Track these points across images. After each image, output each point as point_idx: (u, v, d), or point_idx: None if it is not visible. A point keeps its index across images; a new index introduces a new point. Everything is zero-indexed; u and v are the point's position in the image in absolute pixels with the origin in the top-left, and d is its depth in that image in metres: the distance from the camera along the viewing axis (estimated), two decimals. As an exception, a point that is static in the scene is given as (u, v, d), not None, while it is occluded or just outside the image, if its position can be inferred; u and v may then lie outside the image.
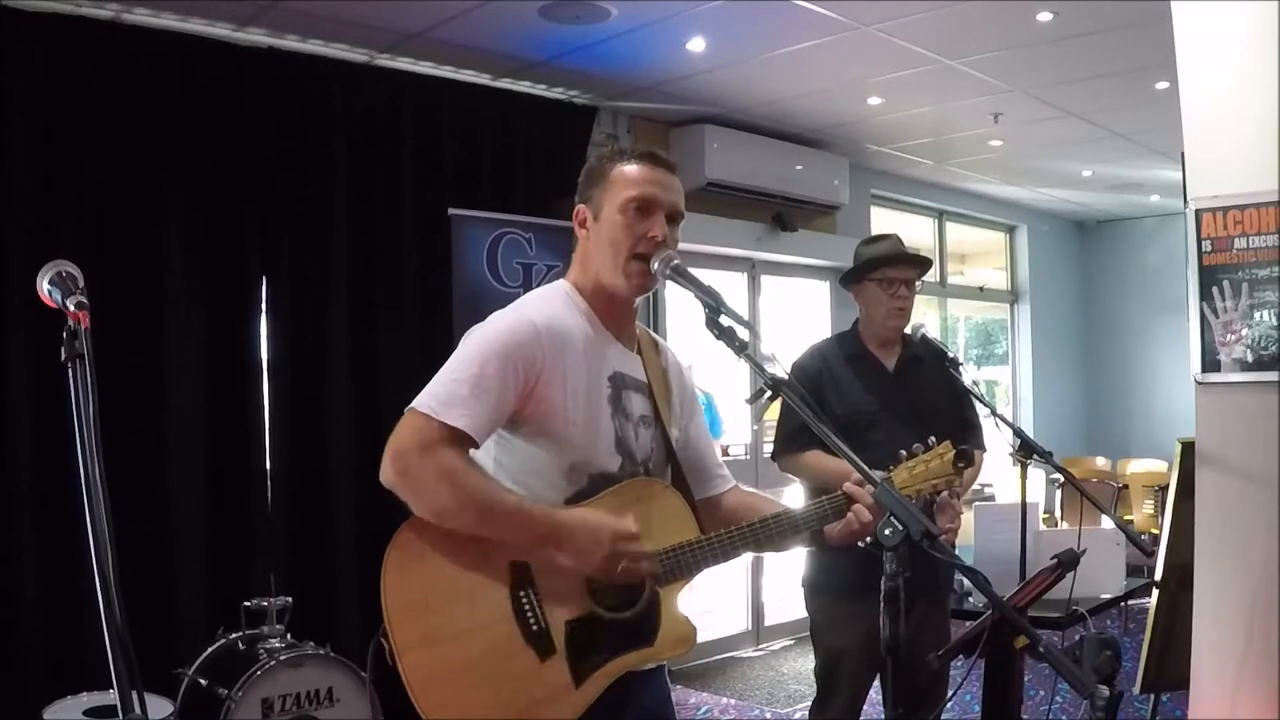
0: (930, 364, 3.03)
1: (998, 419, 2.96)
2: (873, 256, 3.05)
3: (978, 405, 3.03)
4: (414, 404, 1.66)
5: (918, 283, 3.07)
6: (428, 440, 1.62)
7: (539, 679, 1.63)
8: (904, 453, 1.89)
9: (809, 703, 3.13)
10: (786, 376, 1.69)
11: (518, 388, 1.68)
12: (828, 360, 3.05)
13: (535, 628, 1.65)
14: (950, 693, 2.95)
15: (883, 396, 2.94)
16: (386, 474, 1.64)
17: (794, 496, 3.88)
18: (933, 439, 1.90)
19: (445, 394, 1.65)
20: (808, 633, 3.13)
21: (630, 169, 1.81)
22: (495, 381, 1.66)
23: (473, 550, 1.64)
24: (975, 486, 3.39)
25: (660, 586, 1.72)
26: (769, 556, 6.19)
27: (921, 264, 3.09)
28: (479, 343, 1.71)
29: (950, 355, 3.02)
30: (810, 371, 3.02)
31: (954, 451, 1.89)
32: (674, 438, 1.89)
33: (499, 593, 1.65)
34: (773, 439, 3.10)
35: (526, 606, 1.65)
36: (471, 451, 1.68)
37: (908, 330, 3.11)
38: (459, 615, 1.63)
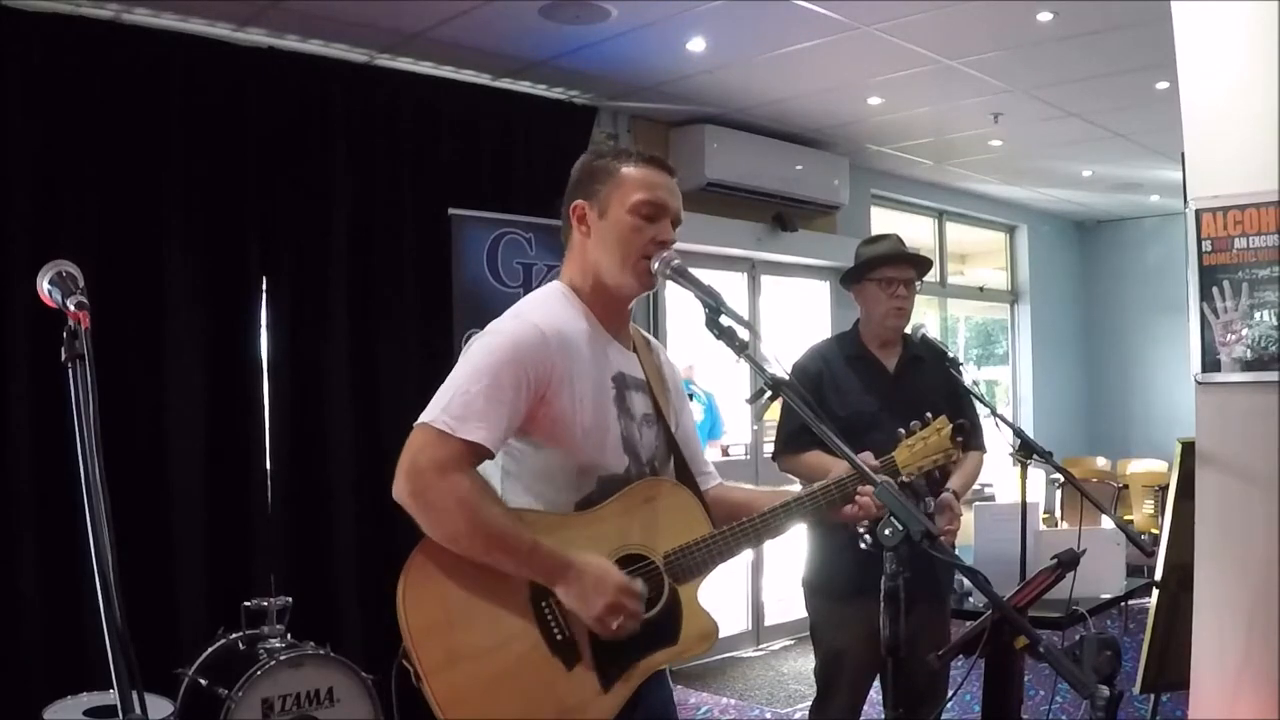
0: (931, 364, 3.03)
1: (998, 419, 2.97)
2: (871, 256, 3.04)
3: (978, 405, 3.04)
4: (427, 418, 1.63)
5: (918, 283, 3.07)
6: (445, 460, 1.59)
7: (568, 687, 1.63)
8: (902, 431, 1.94)
9: (809, 703, 3.13)
10: (786, 377, 1.69)
11: (529, 395, 1.67)
12: (828, 361, 3.05)
13: (560, 637, 1.65)
14: (950, 693, 2.95)
15: (883, 397, 2.94)
16: (400, 492, 1.61)
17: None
18: (929, 414, 1.94)
19: (459, 407, 1.62)
20: (808, 633, 3.13)
21: (640, 171, 1.80)
22: (509, 391, 1.64)
23: (489, 567, 1.63)
24: (975, 486, 3.39)
25: (678, 585, 1.72)
26: (770, 555, 6.22)
27: (921, 264, 3.09)
28: (487, 352, 1.68)
29: (950, 355, 3.02)
30: (810, 372, 3.02)
31: (950, 426, 1.93)
32: (674, 433, 1.89)
33: (521, 605, 1.64)
34: (774, 439, 3.11)
35: (549, 616, 1.65)
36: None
37: (908, 330, 3.11)
38: (483, 631, 1.62)
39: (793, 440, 2.96)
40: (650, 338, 2.01)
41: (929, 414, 1.94)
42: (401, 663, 1.61)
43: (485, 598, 1.62)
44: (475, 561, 1.62)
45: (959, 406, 2.98)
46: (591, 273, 1.82)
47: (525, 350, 1.67)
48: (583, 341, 1.76)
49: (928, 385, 2.98)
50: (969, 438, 2.92)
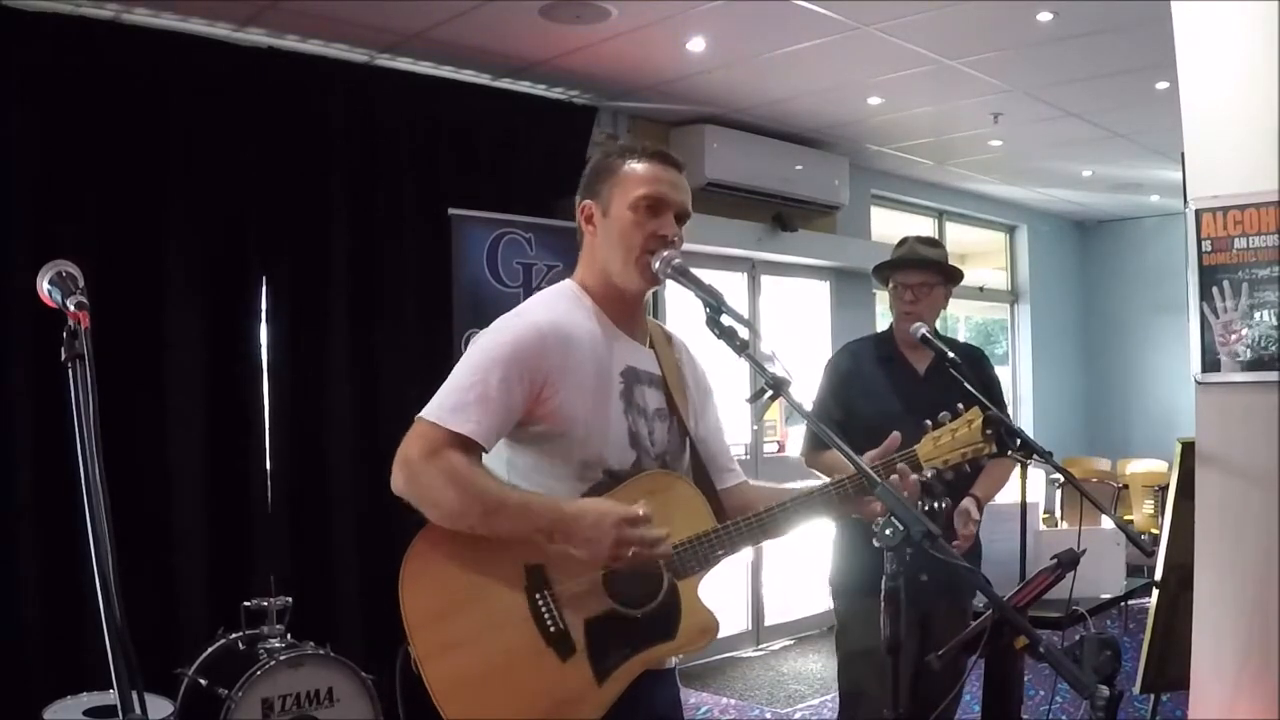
0: (964, 368, 3.01)
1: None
2: (885, 261, 3.12)
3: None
4: (422, 413, 1.68)
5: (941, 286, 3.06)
6: (434, 446, 1.63)
7: (562, 680, 1.64)
8: (929, 423, 1.84)
9: (809, 703, 3.13)
10: (787, 377, 1.69)
11: (525, 394, 1.69)
12: (859, 360, 3.11)
13: (554, 629, 1.65)
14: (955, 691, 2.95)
15: (908, 398, 2.94)
16: (397, 482, 1.65)
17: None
18: (960, 405, 1.85)
19: (452, 403, 1.66)
20: (808, 633, 3.13)
21: (641, 167, 1.81)
22: (502, 390, 1.67)
23: (486, 557, 1.65)
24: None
25: (678, 579, 1.72)
26: (771, 555, 6.22)
27: (932, 268, 3.05)
28: (486, 350, 1.72)
29: (950, 356, 2.99)
30: (841, 370, 3.10)
31: (982, 418, 1.81)
32: (690, 430, 1.89)
33: (516, 597, 1.65)
34: (779, 431, 3.13)
35: (544, 609, 1.66)
36: (484, 455, 1.69)
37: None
38: (477, 622, 1.64)
39: (816, 438, 3.01)
40: (673, 334, 2.02)
41: (960, 405, 1.85)
42: (407, 649, 1.63)
43: (481, 588, 1.64)
44: (474, 550, 1.64)
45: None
46: (600, 271, 1.83)
47: (522, 350, 1.70)
48: (587, 339, 1.77)
49: (956, 389, 2.94)
50: (1000, 418, 2.90)
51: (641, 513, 1.64)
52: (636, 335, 1.88)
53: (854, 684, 3.00)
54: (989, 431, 1.81)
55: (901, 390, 2.98)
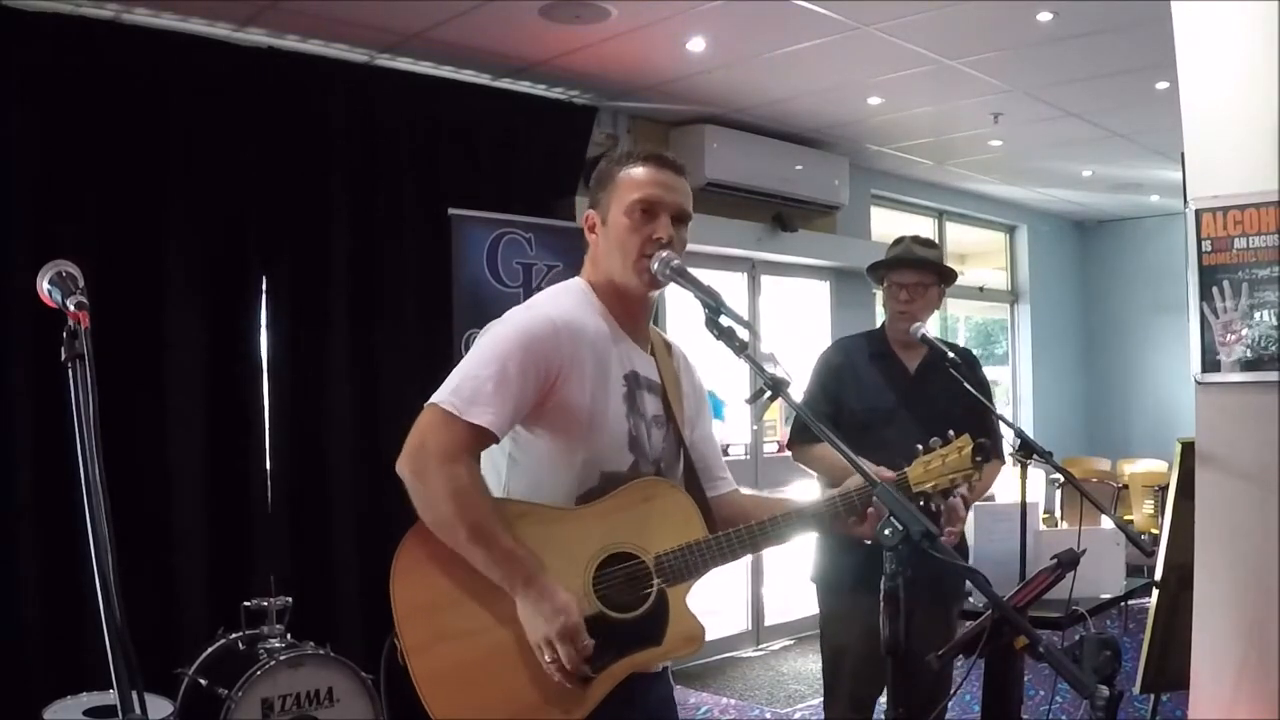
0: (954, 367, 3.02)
1: (997, 419, 2.97)
2: (879, 260, 3.11)
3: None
4: (436, 399, 1.67)
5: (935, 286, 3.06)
6: (450, 446, 1.63)
7: (547, 679, 1.64)
8: (920, 447, 1.89)
9: (809, 703, 3.13)
10: (786, 377, 1.69)
11: (538, 384, 1.70)
12: (851, 356, 3.09)
13: None
14: (950, 693, 2.95)
15: (900, 395, 2.95)
16: (402, 467, 1.65)
17: (796, 493, 3.88)
18: (950, 433, 1.90)
19: (469, 391, 1.66)
20: (808, 633, 3.14)
21: (636, 172, 1.82)
22: (517, 378, 1.67)
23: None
24: (975, 488, 3.39)
25: (668, 586, 1.72)
26: (770, 556, 6.22)
27: (928, 268, 3.03)
28: (501, 339, 1.72)
29: (950, 356, 3.00)
30: (833, 364, 3.08)
31: (972, 445, 1.88)
32: (685, 438, 1.90)
33: (506, 595, 1.65)
34: (779, 432, 3.13)
35: None
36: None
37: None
38: (466, 617, 1.65)
39: (805, 431, 2.99)
40: (674, 344, 2.03)
41: (951, 431, 1.90)
42: (394, 640, 1.64)
43: (472, 583, 1.64)
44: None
45: (978, 413, 2.93)
46: (604, 275, 1.85)
47: (536, 340, 1.70)
48: (596, 337, 1.78)
49: (947, 389, 2.94)
50: (988, 445, 2.91)
51: (590, 644, 1.62)
52: (639, 340, 1.88)
53: (834, 678, 3.01)
54: (979, 459, 1.88)
55: (893, 386, 2.99)
